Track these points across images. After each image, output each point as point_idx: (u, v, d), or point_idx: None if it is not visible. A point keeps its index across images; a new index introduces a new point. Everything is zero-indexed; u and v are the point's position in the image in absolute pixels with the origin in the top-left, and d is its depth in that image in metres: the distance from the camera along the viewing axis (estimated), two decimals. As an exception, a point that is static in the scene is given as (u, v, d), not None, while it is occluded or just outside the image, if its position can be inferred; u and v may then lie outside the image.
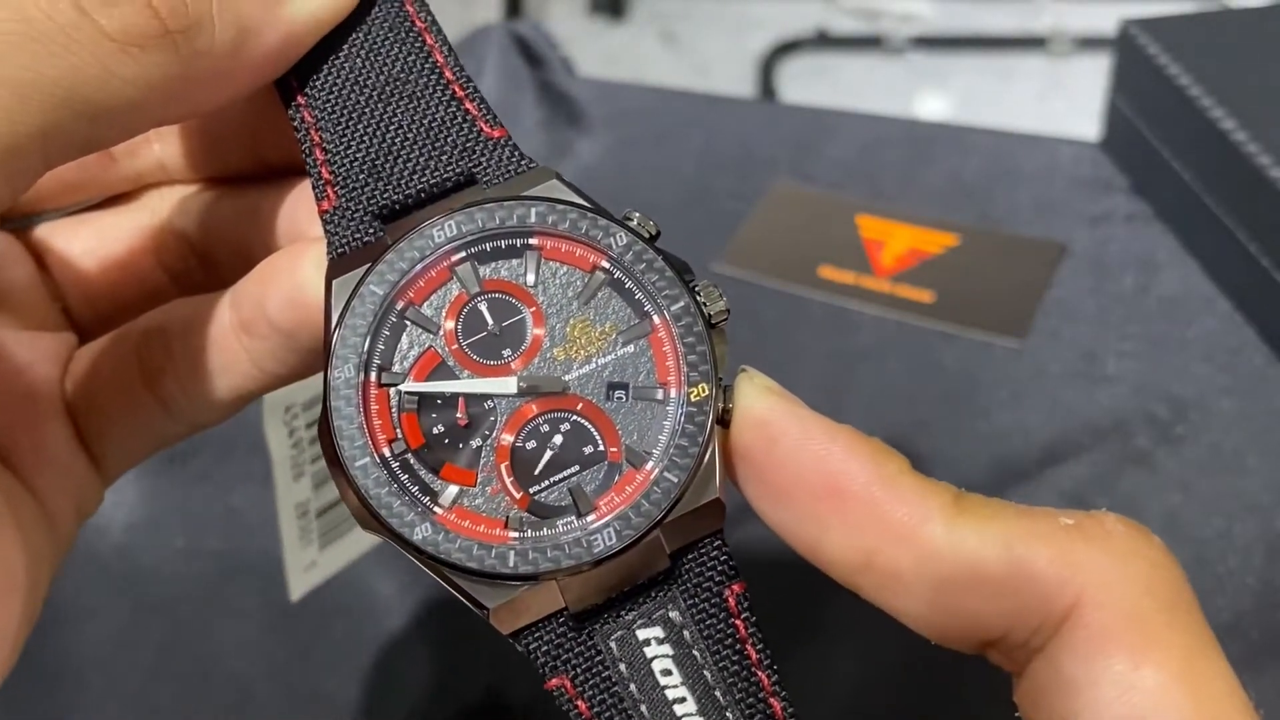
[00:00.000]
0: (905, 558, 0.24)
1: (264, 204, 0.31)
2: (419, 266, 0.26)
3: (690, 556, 0.26)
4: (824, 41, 1.76)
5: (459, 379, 0.26)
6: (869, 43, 1.75)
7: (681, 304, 0.26)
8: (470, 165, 0.28)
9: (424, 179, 0.27)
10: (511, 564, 0.25)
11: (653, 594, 0.25)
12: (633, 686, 0.25)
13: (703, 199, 0.70)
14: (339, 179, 0.27)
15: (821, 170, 0.71)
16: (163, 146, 0.32)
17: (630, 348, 0.26)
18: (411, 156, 0.28)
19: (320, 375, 0.26)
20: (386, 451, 0.26)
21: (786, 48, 1.76)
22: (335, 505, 0.46)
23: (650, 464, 0.26)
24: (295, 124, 0.28)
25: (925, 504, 0.24)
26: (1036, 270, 0.63)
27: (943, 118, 1.59)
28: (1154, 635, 0.22)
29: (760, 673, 0.25)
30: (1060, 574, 0.23)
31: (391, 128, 0.28)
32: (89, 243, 0.33)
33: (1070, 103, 1.57)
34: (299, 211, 0.31)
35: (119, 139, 0.26)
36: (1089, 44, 1.66)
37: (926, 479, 0.25)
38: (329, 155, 0.28)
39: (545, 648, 0.25)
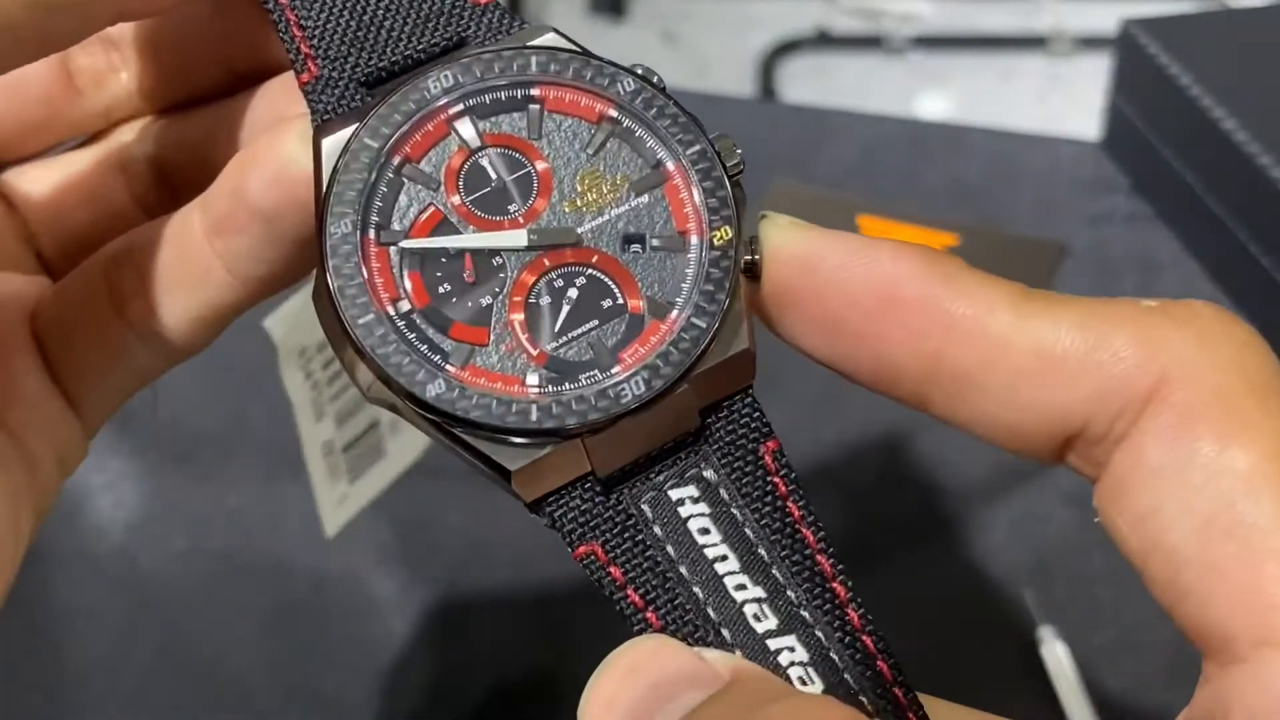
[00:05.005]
0: (973, 354, 0.22)
1: (228, 115, 0.30)
2: (414, 119, 0.25)
3: (720, 415, 0.24)
4: (824, 41, 1.76)
5: (464, 234, 0.25)
6: (869, 43, 1.75)
7: (698, 148, 0.25)
8: (459, 30, 0.26)
9: (410, 45, 0.26)
10: (535, 419, 0.23)
11: (683, 455, 0.24)
12: (669, 548, 0.23)
13: (703, 199, 0.69)
14: (319, 51, 0.26)
15: (821, 170, 0.71)
16: (130, 74, 0.31)
17: (644, 198, 0.25)
18: (394, 25, 0.26)
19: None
20: (390, 310, 0.24)
21: (786, 48, 1.76)
22: (361, 438, 0.45)
23: (675, 312, 0.24)
24: (269, 6, 0.27)
25: (988, 295, 0.22)
26: (1036, 270, 0.63)
27: (943, 118, 1.60)
28: (1244, 416, 0.21)
29: (805, 529, 0.24)
30: (1141, 353, 0.22)
31: (370, 1, 0.26)
32: (58, 181, 0.31)
33: (1070, 103, 1.58)
34: (258, 112, 0.30)
35: (79, 33, 0.25)
36: (1089, 44, 1.66)
37: (989, 275, 0.23)
38: (307, 31, 0.26)
39: (572, 514, 0.24)
